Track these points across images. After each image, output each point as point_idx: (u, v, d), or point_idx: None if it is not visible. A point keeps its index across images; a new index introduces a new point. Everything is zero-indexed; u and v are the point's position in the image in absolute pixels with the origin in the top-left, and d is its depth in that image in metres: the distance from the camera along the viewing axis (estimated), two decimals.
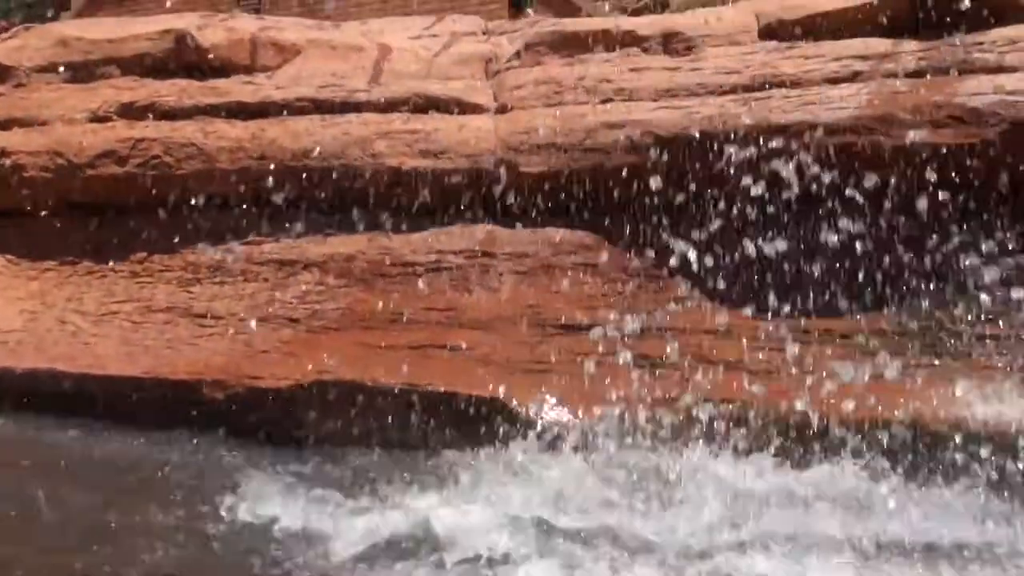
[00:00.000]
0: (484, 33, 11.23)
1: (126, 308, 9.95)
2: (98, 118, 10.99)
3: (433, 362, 8.04)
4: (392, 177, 9.26)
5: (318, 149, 9.57)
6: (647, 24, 9.59)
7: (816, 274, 7.82)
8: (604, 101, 8.83)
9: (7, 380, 9.71)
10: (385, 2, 17.61)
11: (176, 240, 10.30)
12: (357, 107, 9.84)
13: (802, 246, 7.97)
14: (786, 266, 7.95)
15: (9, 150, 11.28)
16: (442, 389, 7.73)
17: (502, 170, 8.88)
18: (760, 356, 7.38)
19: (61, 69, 11.80)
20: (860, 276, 7.73)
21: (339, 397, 8.05)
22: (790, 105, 7.99)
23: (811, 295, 7.77)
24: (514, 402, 7.48)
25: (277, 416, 8.27)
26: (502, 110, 9.31)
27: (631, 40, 9.34)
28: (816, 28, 8.70)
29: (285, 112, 10.08)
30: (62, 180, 10.97)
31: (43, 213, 11.48)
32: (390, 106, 9.73)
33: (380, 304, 8.75)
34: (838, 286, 7.75)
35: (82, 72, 11.70)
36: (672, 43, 9.16)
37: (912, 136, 7.60)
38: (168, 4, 20.73)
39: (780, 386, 7.10)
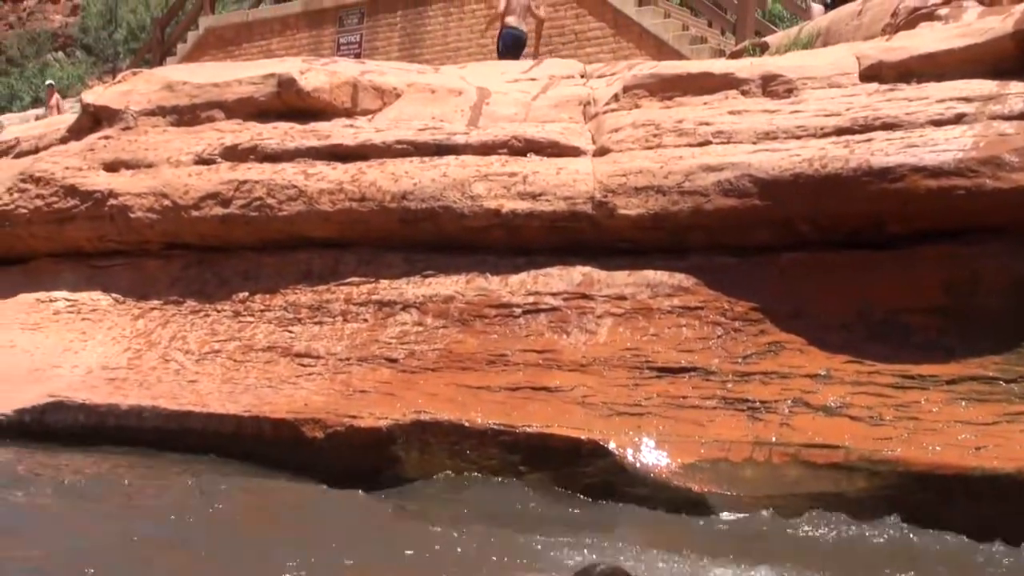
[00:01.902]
0: (582, 76, 11.28)
1: (228, 347, 10.10)
2: (203, 160, 11.22)
3: (531, 403, 8.05)
4: (490, 219, 9.32)
5: (417, 191, 9.66)
6: (746, 67, 9.56)
7: (917, 318, 7.70)
8: (702, 144, 8.82)
9: (113, 416, 9.92)
10: (483, 46, 17.75)
11: (277, 280, 10.46)
12: (455, 149, 9.93)
13: (902, 288, 7.86)
14: (884, 310, 7.84)
15: (117, 192, 11.55)
16: (539, 430, 7.74)
17: (600, 212, 8.88)
18: (863, 401, 7.26)
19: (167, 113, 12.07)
20: (964, 320, 7.59)
21: (437, 437, 8.10)
22: (892, 148, 7.89)
23: (911, 339, 7.64)
24: (612, 444, 7.46)
25: (375, 455, 8.34)
26: (600, 153, 9.33)
27: (730, 83, 9.31)
28: (919, 70, 8.60)
29: (385, 155, 10.19)
30: (168, 221, 11.21)
31: (149, 253, 11.74)
32: (488, 149, 9.81)
33: (478, 345, 8.78)
34: (941, 330, 7.62)
35: (187, 115, 11.95)
36: (771, 85, 9.11)
37: (1020, 179, 7.47)
38: (272, 48, 21.15)
39: (884, 432, 7.00)
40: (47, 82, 26.87)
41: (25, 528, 7.04)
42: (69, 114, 17.70)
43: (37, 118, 21.75)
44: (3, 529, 6.97)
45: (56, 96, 24.74)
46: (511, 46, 15.60)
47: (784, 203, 8.15)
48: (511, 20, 16.36)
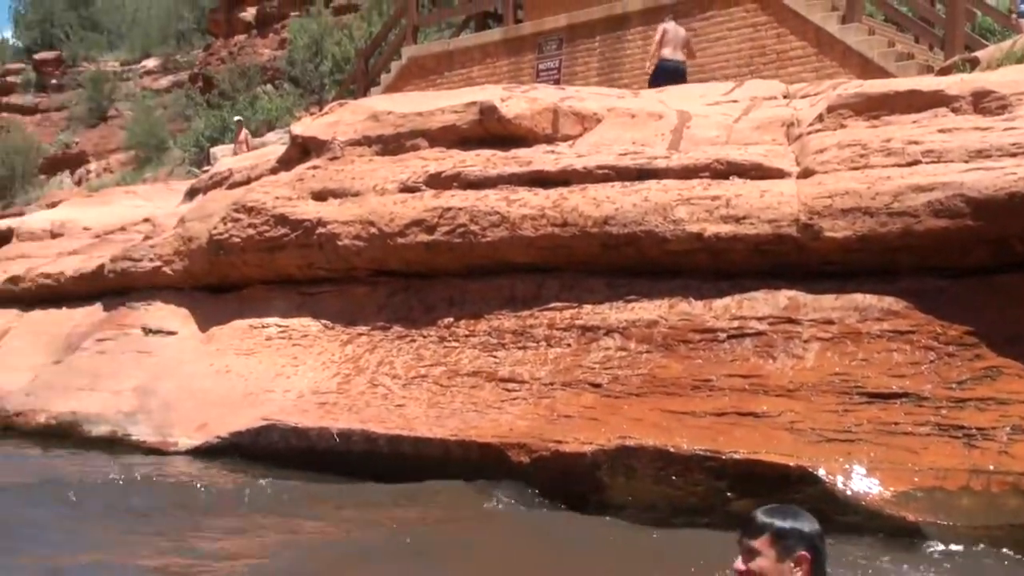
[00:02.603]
0: (784, 97, 11.15)
1: (434, 372, 10.27)
2: (407, 188, 11.44)
3: (737, 429, 7.96)
4: (693, 243, 9.26)
5: (619, 216, 9.66)
6: (956, 83, 9.30)
7: None
8: (911, 163, 8.60)
9: (323, 439, 10.19)
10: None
11: (481, 306, 10.59)
12: (657, 174, 9.90)
13: None
14: None
15: (325, 220, 11.88)
16: (747, 457, 7.65)
17: (805, 235, 8.74)
18: None
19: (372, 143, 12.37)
20: None
21: (643, 463, 8.08)
22: None
23: None
24: (821, 471, 7.32)
25: (580, 480, 8.36)
26: (805, 174, 9.18)
27: (939, 100, 9.07)
28: None
29: (586, 180, 10.23)
30: (374, 248, 11.47)
31: (356, 280, 12.03)
32: (690, 172, 9.75)
33: (682, 370, 8.73)
34: None
35: (392, 144, 12.22)
36: (983, 102, 8.84)
37: None
38: (472, 76, 21.46)
39: None
40: (235, 118, 27.67)
41: None
42: (265, 148, 18.25)
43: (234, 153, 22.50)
44: None
45: (245, 132, 25.50)
46: (667, 78, 15.54)
47: (999, 223, 7.88)
48: (667, 52, 16.42)
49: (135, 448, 11.77)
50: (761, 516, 4.21)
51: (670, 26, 16.67)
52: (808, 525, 4.20)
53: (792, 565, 4.14)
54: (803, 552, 4.14)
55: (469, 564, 7.13)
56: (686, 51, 16.88)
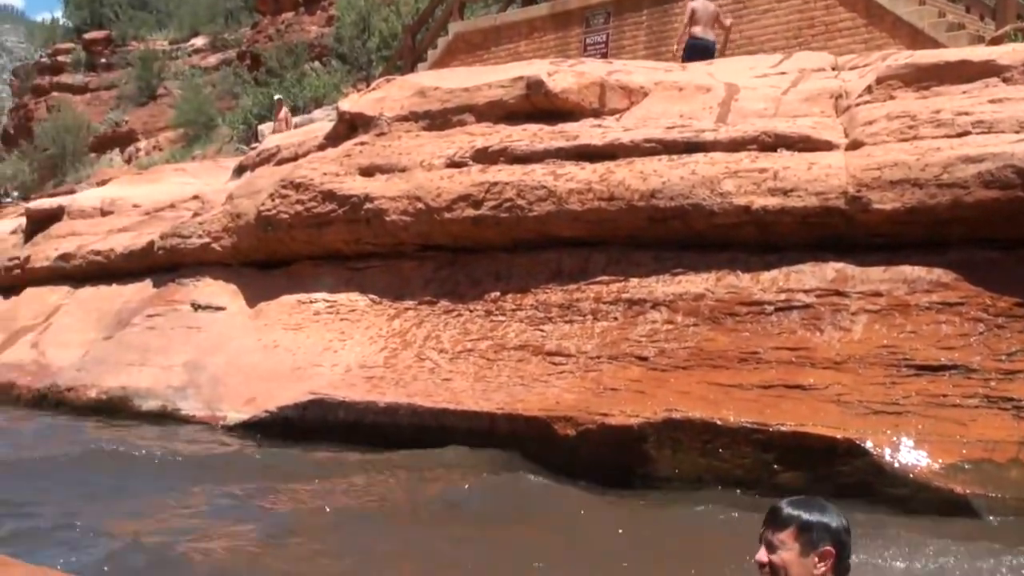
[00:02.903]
0: (833, 69, 11.06)
1: (481, 346, 10.29)
2: (454, 163, 11.46)
3: (784, 402, 7.93)
4: (740, 215, 9.22)
5: (665, 189, 9.64)
6: (1008, 53, 9.19)
7: None
8: (961, 134, 8.52)
9: (371, 413, 10.24)
10: (731, 40, 17.51)
11: (527, 280, 10.60)
12: (704, 147, 9.86)
13: None
14: None
15: (372, 196, 11.91)
16: (794, 429, 7.62)
17: (853, 207, 8.68)
18: None
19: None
20: None
21: (689, 435, 8.07)
22: None
23: None
24: (869, 444, 7.29)
25: (627, 453, 8.36)
26: (853, 146, 9.11)
27: (990, 70, 8.97)
28: None
29: (633, 153, 10.21)
30: (421, 223, 11.50)
31: (403, 255, 12.07)
32: (738, 145, 9.70)
33: (729, 343, 8.71)
34: None
35: (439, 120, 12.23)
36: None
37: None
38: (519, 50, 21.41)
39: None
40: (276, 96, 27.75)
41: None
42: (312, 125, 18.31)
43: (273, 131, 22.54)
44: None
45: (285, 109, 25.53)
46: (698, 57, 15.38)
47: None
48: (697, 30, 16.22)
49: (184, 422, 11.87)
50: (787, 508, 4.14)
51: (699, 4, 16.46)
52: (834, 519, 4.11)
53: (816, 560, 4.06)
54: (828, 547, 4.05)
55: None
56: (717, 26, 16.71)
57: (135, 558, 6.48)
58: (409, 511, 7.89)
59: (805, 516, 4.09)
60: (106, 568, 6.19)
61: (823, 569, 4.06)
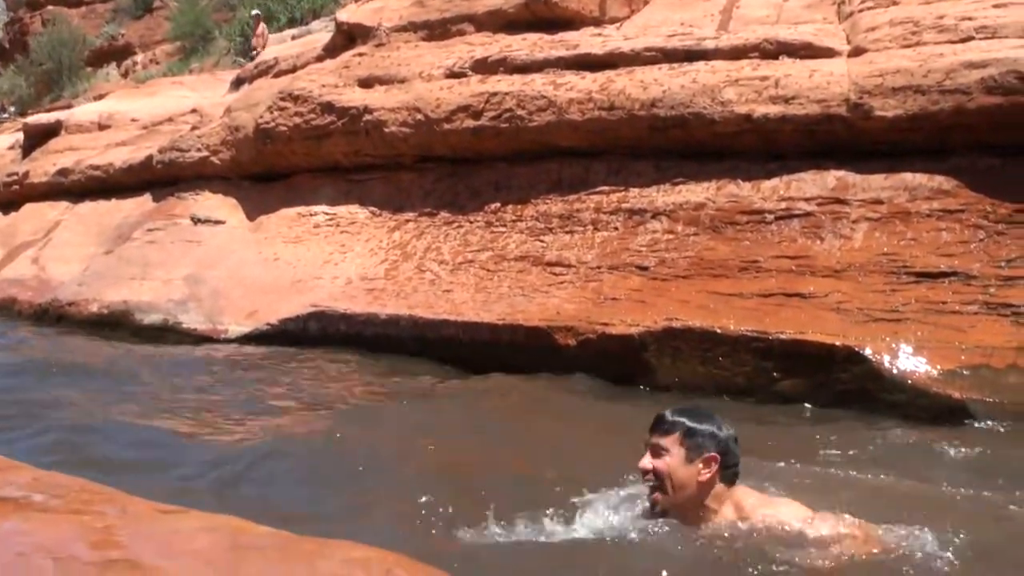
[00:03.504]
0: None
1: (481, 257, 10.29)
2: (453, 74, 11.38)
3: (784, 310, 7.94)
4: (741, 124, 9.17)
5: (666, 98, 9.57)
6: None
7: None
8: (964, 40, 8.45)
9: (372, 325, 10.27)
10: None
11: (528, 191, 10.57)
12: (705, 55, 9.78)
13: None
14: None
15: (371, 107, 11.85)
16: (793, 337, 7.64)
17: (855, 114, 8.63)
18: None
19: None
20: None
21: (689, 344, 8.09)
22: None
23: None
24: (868, 350, 7.31)
25: (627, 362, 8.39)
26: (855, 53, 9.04)
27: None
28: None
29: (633, 63, 10.13)
30: (420, 134, 11.45)
31: (402, 167, 12.04)
32: (739, 53, 9.62)
33: (729, 252, 8.70)
34: None
35: (438, 30, 12.13)
36: None
37: None
38: None
39: None
40: (253, 11, 27.45)
41: None
42: (311, 36, 18.16)
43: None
44: None
45: (262, 26, 25.31)
46: None
47: None
48: None
49: (186, 336, 11.90)
50: (673, 415, 4.19)
51: None
52: (721, 427, 4.19)
53: (700, 467, 4.12)
54: (713, 454, 4.12)
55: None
56: None
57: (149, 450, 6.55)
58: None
59: (691, 423, 4.16)
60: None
61: (707, 475, 4.14)
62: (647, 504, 4.29)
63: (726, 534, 4.15)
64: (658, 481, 4.17)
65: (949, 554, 4.13)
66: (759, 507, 4.20)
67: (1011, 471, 5.58)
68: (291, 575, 2.04)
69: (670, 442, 4.12)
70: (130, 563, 2.03)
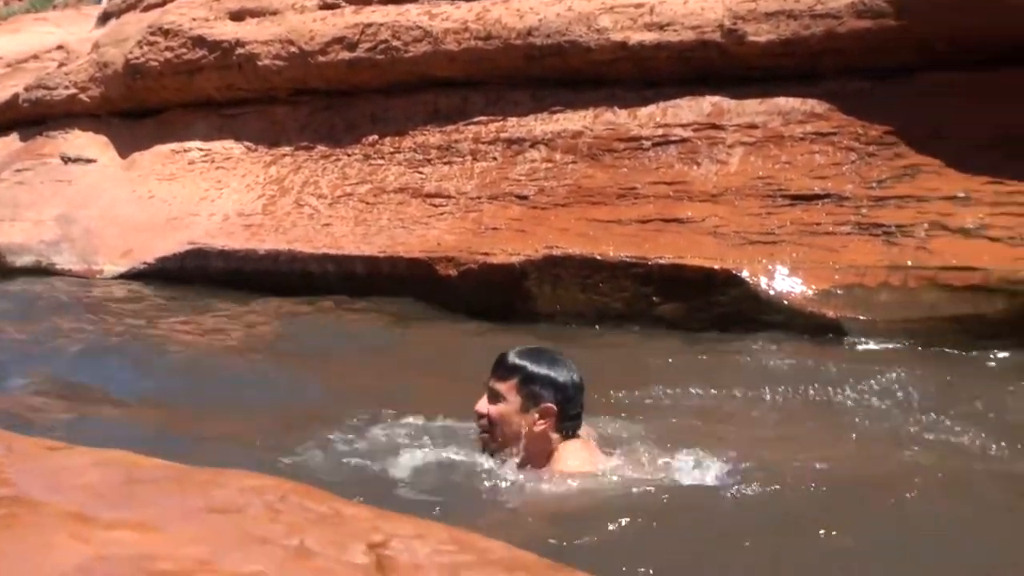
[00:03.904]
0: None
1: (360, 190, 10.21)
2: (327, 5, 11.23)
3: (662, 235, 8.01)
4: (617, 52, 9.17)
5: (542, 27, 9.54)
6: None
7: None
8: None
9: (251, 261, 10.16)
10: None
11: (405, 122, 10.49)
12: None
13: None
14: None
15: (243, 40, 11.63)
16: (672, 262, 7.71)
17: (729, 40, 8.68)
18: (1003, 222, 7.05)
19: None
20: None
21: (569, 272, 8.13)
22: None
23: None
24: (745, 273, 7.41)
25: (509, 291, 8.41)
26: None
27: None
28: None
29: None
30: (295, 68, 11.28)
31: (277, 101, 11.86)
32: None
33: (607, 179, 8.74)
34: None
35: None
36: None
37: None
38: None
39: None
40: None
41: None
42: None
43: None
44: None
45: None
46: None
47: (921, 22, 7.84)
48: None
49: (61, 277, 11.66)
50: (514, 357, 3.93)
51: None
52: (563, 373, 3.92)
53: (536, 417, 3.88)
54: (549, 404, 3.86)
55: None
56: None
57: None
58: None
59: (531, 367, 3.89)
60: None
61: (543, 426, 3.89)
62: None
63: (544, 488, 3.90)
64: (490, 427, 3.95)
65: (734, 481, 4.00)
66: (579, 467, 3.94)
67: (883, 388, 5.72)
68: (188, 505, 2.01)
69: (507, 388, 3.88)
70: (18, 499, 1.98)
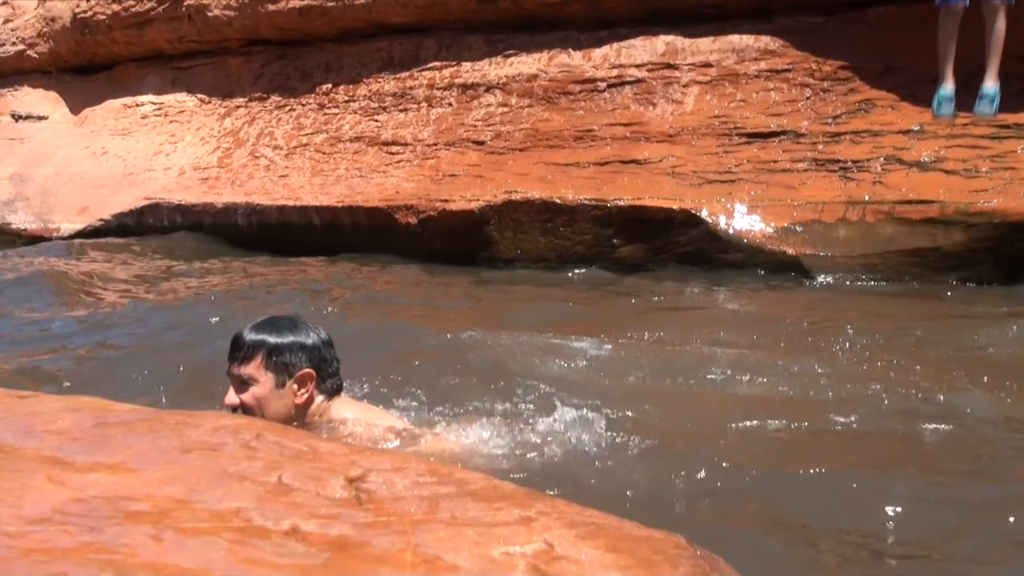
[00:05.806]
0: None
1: (316, 140, 10.16)
2: None
3: (621, 177, 8.02)
4: None
5: None
6: None
7: (1016, 66, 7.41)
8: None
9: (208, 214, 10.10)
10: None
11: (359, 70, 10.43)
12: None
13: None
14: (980, 60, 7.56)
15: None
16: (631, 203, 7.73)
17: None
18: (958, 155, 7.10)
19: None
20: None
21: (529, 216, 8.14)
22: None
23: (1009, 88, 7.37)
24: (704, 212, 7.44)
25: (470, 237, 8.41)
26: None
27: None
28: None
29: None
30: (245, 17, 11.16)
31: (229, 52, 11.75)
32: None
33: (564, 122, 8.73)
34: None
35: None
36: None
37: None
38: None
39: (980, 184, 6.87)
40: None
41: None
42: None
43: None
44: None
45: None
46: None
47: None
48: None
49: (17, 236, 11.57)
50: (250, 334, 3.58)
51: None
52: (309, 334, 3.65)
53: (295, 387, 3.58)
54: (306, 369, 3.58)
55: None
56: None
57: None
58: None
59: (273, 339, 3.57)
60: None
61: (305, 395, 3.62)
62: None
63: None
64: (251, 414, 3.52)
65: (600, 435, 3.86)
66: (353, 422, 3.71)
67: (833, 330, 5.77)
68: (162, 446, 2.01)
69: (254, 368, 3.52)
70: None
